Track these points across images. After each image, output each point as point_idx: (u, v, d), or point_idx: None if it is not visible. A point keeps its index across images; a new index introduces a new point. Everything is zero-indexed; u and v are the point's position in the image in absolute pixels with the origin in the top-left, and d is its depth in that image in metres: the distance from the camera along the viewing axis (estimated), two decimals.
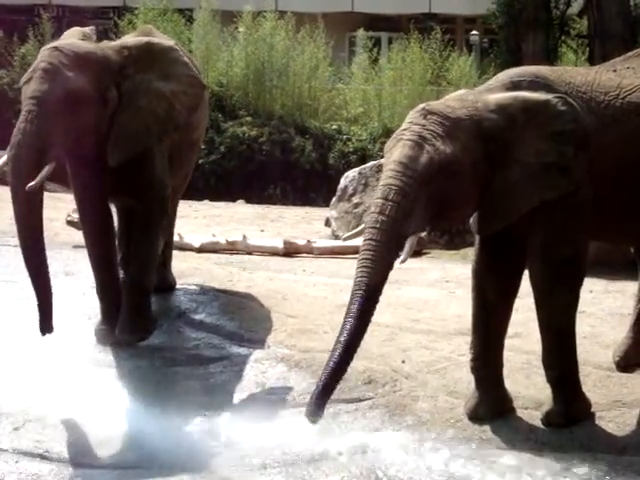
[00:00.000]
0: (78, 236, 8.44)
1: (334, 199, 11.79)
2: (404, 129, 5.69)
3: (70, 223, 10.06)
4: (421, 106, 5.79)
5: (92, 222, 7.37)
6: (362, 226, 5.78)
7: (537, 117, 5.74)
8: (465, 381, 6.43)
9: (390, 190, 5.51)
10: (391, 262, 5.55)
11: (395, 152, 5.61)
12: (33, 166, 6.42)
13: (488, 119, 5.70)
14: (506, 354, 6.32)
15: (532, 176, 5.71)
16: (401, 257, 5.53)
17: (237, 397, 6.70)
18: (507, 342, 6.33)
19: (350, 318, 5.48)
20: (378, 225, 5.48)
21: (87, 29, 7.37)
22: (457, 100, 5.85)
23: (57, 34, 7.42)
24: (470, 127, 5.66)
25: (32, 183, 6.34)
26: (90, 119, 6.70)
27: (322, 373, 5.49)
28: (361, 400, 6.42)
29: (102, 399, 6.62)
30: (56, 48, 6.71)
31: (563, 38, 19.32)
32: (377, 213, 5.50)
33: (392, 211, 5.47)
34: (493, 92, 5.87)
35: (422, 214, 5.59)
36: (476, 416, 6.19)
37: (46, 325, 6.61)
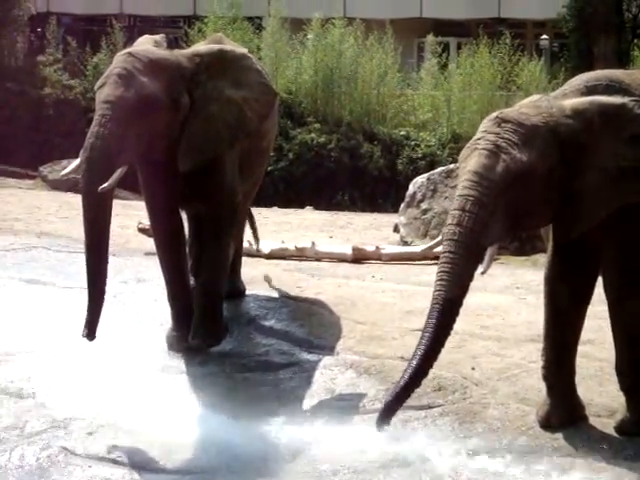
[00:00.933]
0: (149, 243, 8.53)
1: (403, 205, 11.75)
2: (478, 138, 5.63)
3: (141, 230, 10.16)
4: (495, 114, 5.72)
5: (163, 229, 7.44)
6: (439, 238, 5.74)
7: (614, 121, 5.65)
8: (536, 388, 6.36)
9: (467, 201, 5.45)
10: (470, 274, 5.50)
11: (471, 162, 5.56)
12: (105, 169, 6.49)
13: (564, 125, 5.63)
14: (579, 361, 6.25)
15: (610, 181, 5.63)
16: (482, 268, 5.49)
17: (307, 403, 6.71)
18: (580, 349, 6.25)
19: (428, 332, 5.47)
20: (456, 237, 5.44)
21: (158, 37, 7.45)
22: (531, 107, 5.78)
23: (129, 43, 7.50)
24: (546, 134, 5.60)
25: (104, 185, 6.40)
26: (162, 124, 6.76)
27: (397, 383, 5.51)
28: (431, 407, 6.38)
29: (173, 405, 6.67)
30: (130, 54, 6.80)
31: (635, 41, 19.04)
32: (454, 225, 5.46)
33: (470, 222, 5.42)
34: (568, 97, 5.80)
35: (500, 224, 5.53)
36: (548, 424, 6.12)
37: (91, 331, 6.60)
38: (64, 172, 7.27)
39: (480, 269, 5.57)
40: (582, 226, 5.70)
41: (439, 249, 5.70)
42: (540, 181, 5.54)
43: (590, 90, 5.80)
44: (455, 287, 5.46)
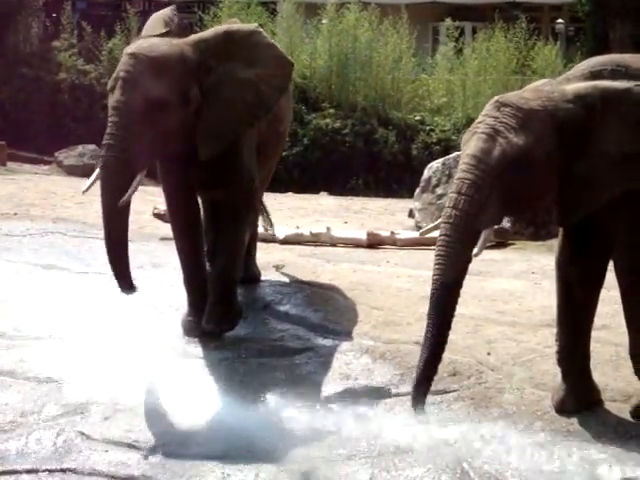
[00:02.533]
0: (165, 228, 8.55)
1: (417, 190, 11.74)
2: (479, 122, 5.69)
3: (157, 216, 10.18)
4: (495, 98, 5.78)
5: (180, 214, 7.45)
6: (439, 220, 5.79)
7: (617, 106, 5.63)
8: (552, 373, 6.36)
9: (463, 184, 5.53)
10: (466, 256, 5.56)
11: (469, 145, 5.63)
12: (121, 179, 6.52)
13: (564, 109, 5.63)
14: (594, 346, 6.24)
15: (612, 166, 5.62)
16: (475, 250, 5.52)
17: (322, 388, 6.72)
18: (595, 334, 6.25)
19: (430, 317, 5.63)
20: (451, 220, 5.53)
21: (168, 12, 7.36)
22: (532, 91, 5.82)
23: (143, 29, 7.47)
24: (544, 117, 5.61)
25: (123, 199, 6.46)
26: (174, 122, 6.73)
27: (415, 371, 5.65)
28: (446, 392, 6.39)
29: (189, 390, 6.69)
30: (133, 55, 6.71)
31: None
32: (451, 207, 5.55)
33: (465, 205, 5.49)
34: (571, 82, 5.80)
35: (496, 207, 5.59)
36: (563, 409, 6.12)
37: (126, 284, 6.74)
38: (84, 188, 7.11)
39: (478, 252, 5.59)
40: (582, 210, 5.71)
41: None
42: (538, 165, 5.57)
43: (595, 75, 5.78)
44: (451, 270, 5.55)
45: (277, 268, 8.56)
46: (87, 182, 7.02)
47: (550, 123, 5.61)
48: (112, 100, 6.63)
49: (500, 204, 5.59)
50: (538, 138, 5.57)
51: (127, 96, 6.56)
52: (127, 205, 6.63)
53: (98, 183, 6.67)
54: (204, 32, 7.56)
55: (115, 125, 6.54)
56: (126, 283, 6.74)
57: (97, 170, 6.73)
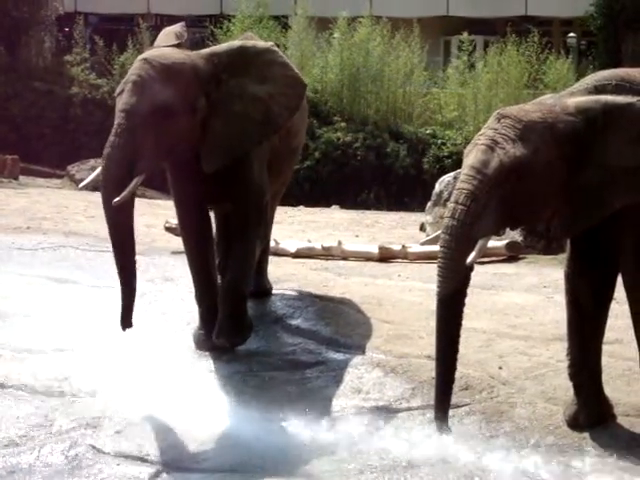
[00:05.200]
0: (176, 242, 8.56)
1: (429, 204, 11.73)
2: (480, 134, 5.78)
3: (168, 229, 10.20)
4: (497, 111, 5.84)
5: (190, 228, 7.45)
6: (439, 231, 5.83)
7: (619, 120, 5.64)
8: (564, 388, 6.34)
9: (461, 194, 5.61)
10: (465, 267, 5.57)
11: (470, 157, 5.70)
12: (121, 178, 6.51)
13: (564, 121, 5.66)
14: (606, 360, 6.22)
15: (613, 179, 5.63)
16: (469, 259, 5.53)
17: (333, 402, 6.71)
18: (608, 348, 6.23)
19: (437, 329, 5.73)
20: (449, 230, 5.61)
21: (178, 28, 7.41)
22: (534, 104, 5.90)
23: (154, 43, 7.52)
24: (543, 130, 5.64)
25: (118, 198, 6.43)
26: (178, 130, 6.73)
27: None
28: (458, 406, 6.37)
29: (200, 404, 6.69)
30: (145, 60, 6.76)
31: None
32: (449, 217, 5.63)
33: (462, 215, 5.56)
34: (575, 96, 5.83)
35: (494, 217, 5.64)
36: (575, 423, 6.10)
37: (127, 321, 6.77)
38: (83, 183, 7.34)
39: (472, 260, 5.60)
40: (583, 224, 5.72)
41: None
42: (537, 176, 5.60)
43: (599, 89, 5.81)
44: (451, 281, 5.63)
45: None
46: (88, 178, 7.10)
47: (549, 135, 5.63)
48: (120, 103, 6.66)
49: (498, 214, 5.64)
50: (536, 150, 5.60)
51: (135, 99, 6.59)
52: (129, 207, 6.64)
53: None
54: (219, 45, 7.58)
55: (120, 126, 6.57)
56: (129, 301, 6.74)
57: (99, 168, 6.75)
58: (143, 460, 6.15)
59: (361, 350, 7.24)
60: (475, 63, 22.48)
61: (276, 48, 7.40)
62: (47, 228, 11.08)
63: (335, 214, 14.85)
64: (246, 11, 23.03)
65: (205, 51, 7.22)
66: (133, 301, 6.77)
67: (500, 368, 6.79)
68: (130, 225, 6.70)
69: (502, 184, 5.56)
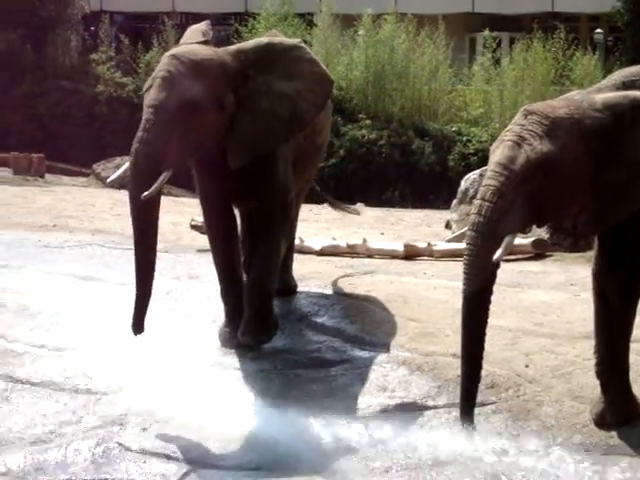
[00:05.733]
0: (202, 240, 8.58)
1: (455, 201, 11.70)
2: (507, 130, 5.76)
3: (194, 227, 10.22)
4: (524, 107, 5.81)
5: (216, 226, 7.46)
6: (465, 228, 5.81)
7: None
8: (591, 386, 6.30)
9: (488, 190, 5.59)
10: (491, 264, 5.55)
11: (496, 153, 5.69)
12: (149, 174, 6.51)
13: (592, 117, 5.63)
14: (634, 358, 6.19)
15: None
16: (495, 256, 5.50)
17: (359, 400, 6.70)
18: (635, 347, 6.19)
19: (463, 326, 5.72)
20: (475, 227, 5.59)
21: (203, 26, 7.42)
22: (561, 100, 5.88)
23: (180, 41, 7.54)
24: (570, 126, 5.61)
25: (146, 192, 6.42)
26: (206, 126, 6.74)
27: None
28: (484, 404, 6.35)
29: (226, 401, 6.70)
30: (174, 56, 6.78)
31: None
32: (475, 214, 5.61)
33: (488, 211, 5.54)
34: (602, 92, 5.80)
35: (520, 214, 5.62)
36: (603, 422, 6.06)
37: (139, 325, 6.72)
38: (111, 179, 7.32)
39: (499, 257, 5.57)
40: (610, 220, 5.69)
41: None
42: (564, 172, 5.57)
43: (627, 85, 5.78)
44: (477, 279, 5.62)
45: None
46: (115, 173, 7.11)
47: (576, 131, 5.61)
48: (148, 98, 6.66)
49: (525, 211, 5.61)
50: (564, 146, 5.57)
51: (164, 94, 6.59)
52: (156, 203, 6.63)
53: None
54: (246, 42, 7.58)
55: (148, 122, 6.57)
56: (143, 300, 6.72)
57: (126, 164, 6.76)
58: (169, 457, 6.17)
59: (386, 348, 7.23)
60: (501, 60, 22.39)
61: (304, 45, 7.38)
62: (73, 226, 11.13)
63: (360, 212, 14.82)
64: (271, 9, 23.05)
65: (232, 48, 7.23)
66: (147, 304, 6.70)
67: (526, 366, 6.76)
68: (155, 222, 6.70)
69: (529, 180, 5.54)
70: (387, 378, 6.89)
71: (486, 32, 22.71)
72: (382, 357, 7.12)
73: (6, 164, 19.58)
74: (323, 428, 6.39)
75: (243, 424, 6.47)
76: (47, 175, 19.16)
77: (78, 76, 23.05)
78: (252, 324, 7.20)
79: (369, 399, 6.70)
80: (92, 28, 25.02)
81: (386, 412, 6.52)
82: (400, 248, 10.05)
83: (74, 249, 9.74)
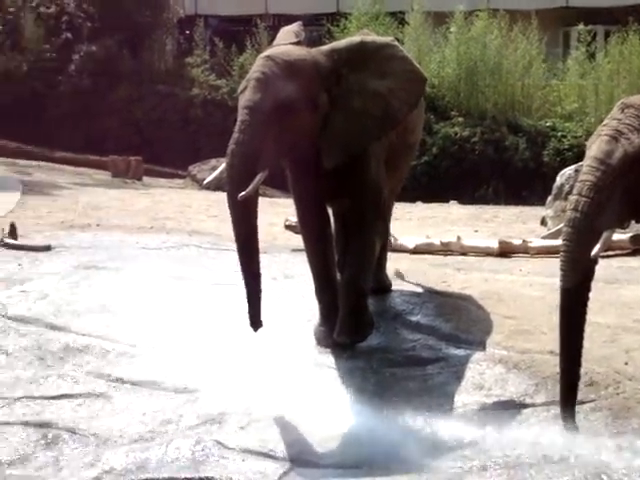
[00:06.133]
0: (297, 240, 8.63)
1: (550, 198, 11.58)
2: (604, 124, 5.70)
3: (288, 227, 10.29)
4: (621, 100, 5.74)
5: (310, 226, 7.51)
6: (560, 225, 5.75)
7: None
8: None
9: (584, 185, 5.52)
10: (589, 260, 5.47)
11: (593, 148, 5.62)
12: (245, 174, 6.57)
13: None
14: None
15: None
16: (593, 251, 5.44)
17: (455, 399, 6.68)
18: None
19: (560, 324, 5.69)
20: (572, 223, 5.53)
21: (296, 27, 7.47)
22: None
23: (273, 42, 7.61)
24: None
25: (243, 192, 6.48)
26: (301, 126, 6.79)
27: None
28: (583, 402, 6.27)
29: (322, 399, 6.74)
30: (268, 57, 6.84)
31: None
32: (571, 210, 5.55)
33: (585, 207, 5.48)
34: None
35: (618, 208, 5.56)
36: None
37: (256, 320, 6.82)
38: (207, 180, 7.48)
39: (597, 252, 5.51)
40: None
41: None
42: None
43: None
44: (574, 275, 5.57)
45: (399, 276, 8.54)
46: (212, 175, 7.21)
47: None
48: (243, 100, 6.74)
49: (623, 206, 5.55)
50: None
51: (259, 95, 6.65)
52: (253, 203, 6.69)
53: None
54: (339, 42, 7.61)
55: (244, 123, 6.63)
56: (256, 300, 6.81)
57: (223, 165, 6.85)
58: (267, 456, 6.22)
59: (482, 346, 7.19)
60: (595, 54, 22.04)
61: (396, 43, 7.38)
62: (170, 227, 11.30)
63: (453, 209, 14.76)
64: (362, 8, 23.04)
65: (325, 47, 7.27)
66: (259, 300, 6.82)
67: (626, 364, 6.66)
68: (254, 221, 6.76)
69: (626, 175, 5.47)
70: (483, 376, 6.86)
71: (580, 26, 22.36)
72: (478, 355, 7.08)
73: (105, 167, 19.97)
74: (420, 427, 6.39)
75: (341, 422, 6.49)
76: (144, 178, 19.48)
77: (173, 80, 23.36)
78: (347, 323, 7.23)
79: (465, 397, 6.68)
80: (187, 32, 25.34)
81: (483, 410, 6.48)
82: (495, 245, 9.98)
83: (171, 250, 9.89)
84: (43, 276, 8.78)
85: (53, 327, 7.76)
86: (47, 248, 9.73)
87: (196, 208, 13.06)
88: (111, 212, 12.45)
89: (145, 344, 7.53)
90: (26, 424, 6.66)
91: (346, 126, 6.94)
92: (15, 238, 9.94)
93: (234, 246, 6.91)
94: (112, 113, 22.65)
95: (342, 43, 7.35)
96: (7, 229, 10.03)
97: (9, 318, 7.92)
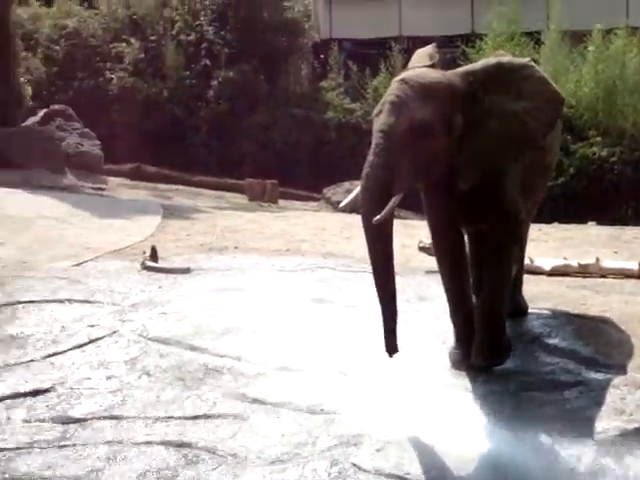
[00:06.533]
0: (431, 261, 8.61)
1: None
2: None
3: (422, 249, 10.27)
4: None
5: (444, 248, 7.49)
6: None
7: None
8: None
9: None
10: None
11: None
12: (380, 197, 6.60)
13: None
14: None
15: None
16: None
17: (595, 424, 6.55)
18: None
19: None
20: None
21: (430, 49, 7.48)
22: None
23: (407, 65, 7.65)
24: None
25: (378, 217, 6.50)
26: (436, 149, 6.78)
27: None
28: None
29: (457, 422, 6.69)
30: (403, 80, 6.86)
31: None
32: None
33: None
34: None
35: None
36: None
37: (392, 345, 6.79)
38: (343, 204, 7.53)
39: None
40: None
41: None
42: None
43: None
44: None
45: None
46: (347, 198, 7.26)
47: None
48: (378, 123, 6.77)
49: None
50: None
51: (394, 119, 6.68)
52: (389, 226, 6.70)
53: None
54: (475, 63, 7.59)
55: (379, 146, 6.67)
56: (392, 325, 6.80)
57: (358, 188, 6.89)
58: (403, 478, 6.21)
59: (623, 370, 7.04)
60: None
61: (533, 63, 7.31)
62: (305, 250, 11.40)
63: (591, 230, 14.46)
64: (497, 29, 22.89)
65: (461, 69, 7.26)
66: (395, 324, 6.81)
67: None
68: (389, 244, 6.77)
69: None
70: (624, 401, 6.71)
71: None
72: (618, 379, 6.93)
73: (242, 191, 20.31)
74: (558, 451, 6.28)
75: (477, 446, 6.43)
76: (280, 201, 19.72)
77: (308, 103, 23.66)
78: (484, 346, 7.18)
79: (605, 422, 6.54)
80: (321, 56, 25.62)
81: (624, 436, 6.33)
82: (635, 267, 9.75)
83: (306, 272, 9.98)
84: (182, 298, 8.98)
85: (192, 348, 7.92)
86: (186, 271, 9.95)
87: (330, 230, 13.13)
88: (247, 235, 12.62)
89: (280, 365, 7.60)
90: (167, 444, 6.80)
91: (482, 147, 6.91)
92: (156, 261, 10.19)
93: (369, 268, 6.94)
94: (249, 137, 23.06)
95: (478, 65, 7.33)
96: (148, 252, 10.29)
97: (150, 339, 8.12)
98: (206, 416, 7.06)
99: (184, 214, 14.49)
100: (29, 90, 22.16)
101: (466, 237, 7.63)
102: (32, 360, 7.94)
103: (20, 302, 8.99)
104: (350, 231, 12.14)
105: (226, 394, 7.29)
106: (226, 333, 8.14)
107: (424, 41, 11.13)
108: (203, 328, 8.24)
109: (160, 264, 10.15)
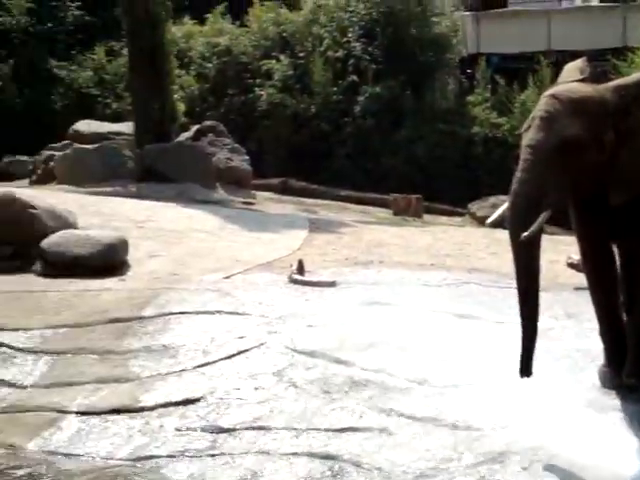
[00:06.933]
0: (579, 278, 8.49)
1: None
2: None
3: (571, 265, 10.14)
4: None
5: (594, 264, 7.36)
6: None
7: None
8: None
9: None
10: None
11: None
12: (528, 214, 6.52)
13: None
14: None
15: None
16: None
17: None
18: None
19: None
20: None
21: (580, 63, 7.37)
22: None
23: (556, 80, 7.57)
24: None
25: (527, 232, 6.44)
26: (586, 164, 6.67)
27: None
28: None
29: (606, 442, 6.57)
30: (552, 96, 6.79)
31: None
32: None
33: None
34: None
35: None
36: None
37: (526, 368, 6.69)
38: (490, 219, 7.52)
39: None
40: None
41: None
42: None
43: None
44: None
45: None
46: (494, 214, 7.24)
47: None
48: (527, 138, 6.71)
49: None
50: None
51: (542, 134, 6.61)
52: (536, 243, 6.62)
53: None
54: (627, 77, 7.45)
55: (527, 162, 6.61)
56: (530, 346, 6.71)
57: (505, 204, 6.84)
58: None
59: None
60: None
61: None
62: (450, 265, 11.38)
63: None
64: None
65: (613, 83, 7.11)
66: (533, 346, 6.69)
67: None
68: (536, 261, 6.69)
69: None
70: None
71: None
72: None
73: (387, 205, 20.37)
74: None
75: (628, 466, 6.30)
76: (425, 215, 19.69)
77: (454, 118, 23.58)
78: (637, 366, 7.03)
79: None
80: (468, 71, 25.52)
81: None
82: None
83: (452, 287, 9.96)
84: (328, 311, 9.07)
85: (338, 361, 7.99)
86: (332, 284, 10.06)
87: (475, 245, 13.07)
88: (393, 249, 12.68)
89: (425, 379, 7.61)
90: (312, 455, 6.88)
91: (634, 163, 6.78)
92: (302, 274, 10.34)
93: (515, 284, 6.88)
94: (394, 152, 23.12)
95: (630, 79, 7.18)
96: (295, 265, 10.45)
97: (296, 351, 8.23)
98: (352, 429, 7.11)
99: (330, 228, 14.65)
100: (182, 107, 22.77)
101: (617, 253, 7.49)
102: (183, 370, 8.16)
103: (172, 313, 9.25)
104: (496, 246, 12.05)
105: (371, 407, 7.33)
106: (371, 347, 8.19)
107: (573, 55, 10.96)
108: (348, 341, 8.31)
109: (307, 277, 10.30)
